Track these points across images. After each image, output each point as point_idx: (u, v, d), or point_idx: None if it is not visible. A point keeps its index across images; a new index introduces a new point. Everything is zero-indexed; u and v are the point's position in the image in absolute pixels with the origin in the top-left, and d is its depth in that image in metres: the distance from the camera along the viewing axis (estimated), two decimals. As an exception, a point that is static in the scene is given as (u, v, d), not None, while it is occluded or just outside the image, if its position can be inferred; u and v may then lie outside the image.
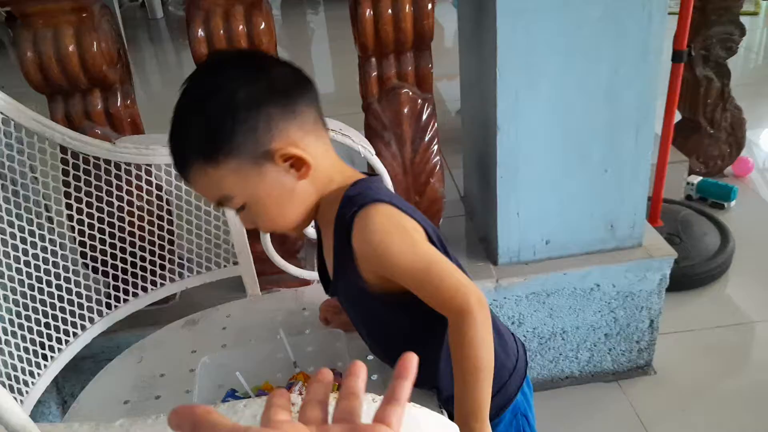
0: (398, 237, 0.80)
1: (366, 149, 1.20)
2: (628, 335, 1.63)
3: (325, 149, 0.84)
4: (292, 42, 4.92)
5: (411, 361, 0.43)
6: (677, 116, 2.21)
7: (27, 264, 1.07)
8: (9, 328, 1.03)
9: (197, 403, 0.96)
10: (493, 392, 0.82)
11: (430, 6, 1.36)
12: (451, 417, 0.86)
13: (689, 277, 1.95)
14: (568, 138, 1.41)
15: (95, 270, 1.19)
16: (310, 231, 1.27)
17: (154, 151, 1.18)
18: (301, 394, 0.55)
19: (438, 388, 0.93)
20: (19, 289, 1.05)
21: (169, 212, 1.27)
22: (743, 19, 2.37)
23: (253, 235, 1.27)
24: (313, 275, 1.34)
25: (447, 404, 0.93)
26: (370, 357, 1.03)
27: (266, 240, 1.28)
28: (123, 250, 1.20)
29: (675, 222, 2.10)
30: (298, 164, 0.79)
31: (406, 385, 0.42)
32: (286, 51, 4.18)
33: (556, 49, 1.32)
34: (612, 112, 1.39)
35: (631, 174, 1.45)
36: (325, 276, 0.96)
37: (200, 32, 1.32)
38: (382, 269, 0.81)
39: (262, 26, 1.33)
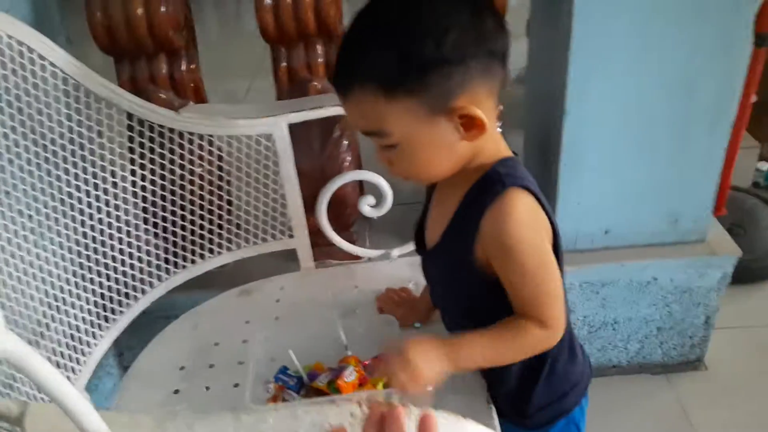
0: (531, 235, 0.77)
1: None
2: (681, 330, 1.59)
3: (495, 116, 0.79)
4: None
5: (432, 423, 0.47)
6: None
7: (92, 227, 1.10)
8: (74, 290, 1.07)
9: (249, 376, 0.98)
10: (550, 401, 0.82)
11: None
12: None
13: (751, 270, 1.87)
14: (638, 127, 1.35)
15: (156, 235, 1.22)
16: (367, 209, 1.27)
17: (216, 122, 1.18)
18: (360, 405, 0.55)
19: (497, 383, 0.92)
20: (83, 252, 1.09)
21: (229, 182, 1.28)
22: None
23: (308, 208, 1.28)
24: (366, 252, 1.34)
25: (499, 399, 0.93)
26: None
27: (321, 213, 1.28)
28: (183, 217, 1.22)
29: (740, 211, 2.01)
30: (469, 125, 0.74)
31: None
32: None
33: (632, 33, 1.25)
34: (687, 103, 1.32)
35: (702, 168, 1.39)
36: (420, 236, 0.93)
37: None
38: (497, 255, 0.78)
39: (330, -4, 1.31)
